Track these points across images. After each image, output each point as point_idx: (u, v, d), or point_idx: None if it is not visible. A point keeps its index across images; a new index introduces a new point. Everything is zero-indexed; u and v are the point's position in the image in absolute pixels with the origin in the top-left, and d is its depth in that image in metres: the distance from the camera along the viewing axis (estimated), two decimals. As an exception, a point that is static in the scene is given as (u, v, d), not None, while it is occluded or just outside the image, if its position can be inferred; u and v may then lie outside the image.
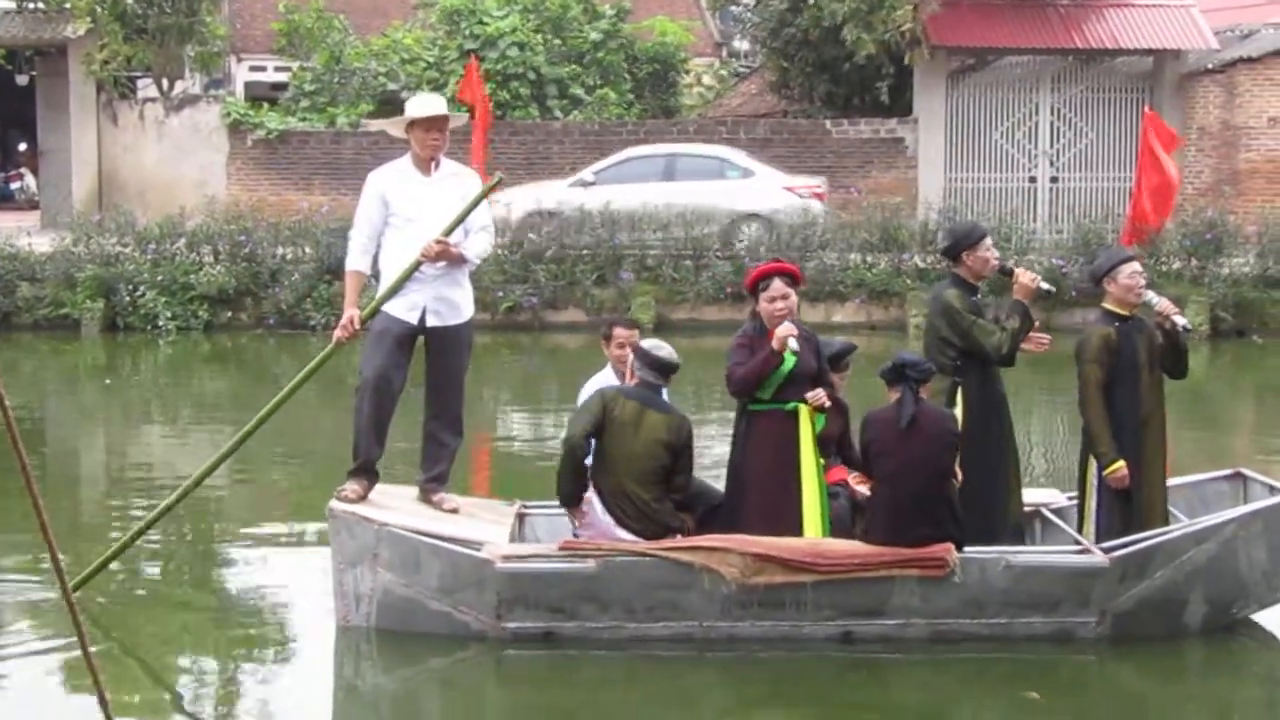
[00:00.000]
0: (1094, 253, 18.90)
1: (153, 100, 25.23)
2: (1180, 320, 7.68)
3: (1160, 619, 7.33)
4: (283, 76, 28.95)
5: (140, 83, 27.42)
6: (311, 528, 9.97)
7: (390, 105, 25.22)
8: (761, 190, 20.76)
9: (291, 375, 16.64)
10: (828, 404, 7.24)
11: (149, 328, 19.04)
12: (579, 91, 25.34)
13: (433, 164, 7.71)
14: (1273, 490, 7.83)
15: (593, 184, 21.09)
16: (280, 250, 19.83)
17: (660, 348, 7.36)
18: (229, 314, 19.53)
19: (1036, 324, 7.88)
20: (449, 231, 7.54)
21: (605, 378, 7.96)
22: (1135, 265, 7.78)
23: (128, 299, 19.17)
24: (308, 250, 19.69)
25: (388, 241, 7.70)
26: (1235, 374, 17.11)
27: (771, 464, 7.23)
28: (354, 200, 23.19)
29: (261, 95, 28.95)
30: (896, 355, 7.25)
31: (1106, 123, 23.79)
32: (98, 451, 13.38)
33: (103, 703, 4.56)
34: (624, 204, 20.18)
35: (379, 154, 23.57)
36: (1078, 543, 7.56)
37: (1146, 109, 20.77)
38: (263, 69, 33.80)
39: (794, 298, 7.33)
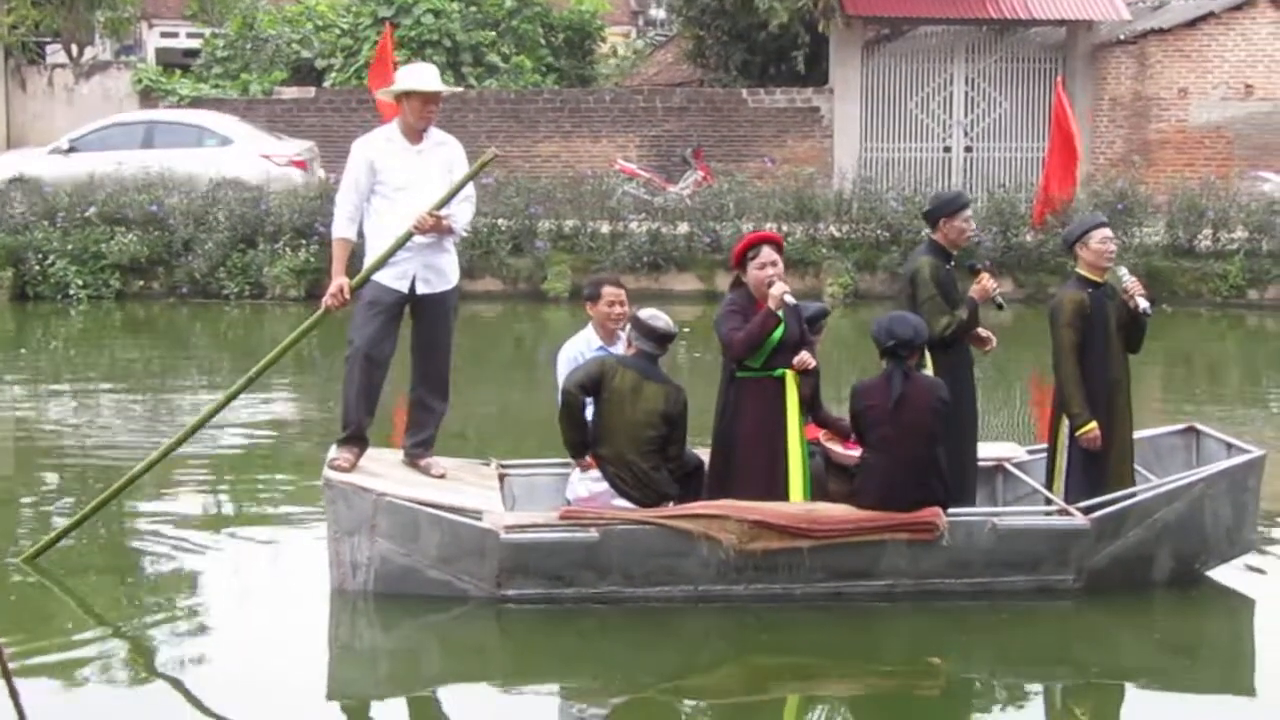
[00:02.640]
0: (1006, 222, 19.33)
1: (62, 66, 24.69)
2: (1143, 304, 7.89)
3: (1130, 573, 7.60)
4: (195, 43, 28.46)
5: (49, 49, 26.82)
6: (278, 497, 9.93)
7: (303, 73, 24.91)
8: (239, 157, 20.78)
9: (206, 344, 16.65)
10: (812, 364, 7.40)
11: (59, 297, 18.69)
12: (495, 59, 25.14)
13: (422, 134, 7.68)
14: (1229, 447, 8.11)
15: (71, 151, 21.14)
16: (193, 219, 19.47)
17: (657, 318, 7.42)
18: (141, 283, 19.21)
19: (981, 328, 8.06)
20: (441, 205, 7.53)
21: (587, 338, 7.98)
22: (1106, 231, 7.98)
23: (37, 268, 18.82)
24: (221, 219, 19.38)
25: (376, 210, 7.66)
26: (1147, 341, 17.46)
27: (760, 429, 7.38)
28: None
29: (173, 62, 28.36)
30: (890, 322, 7.30)
31: (1020, 93, 23.98)
32: (8, 421, 13.08)
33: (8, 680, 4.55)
34: (102, 171, 20.25)
35: (292, 121, 23.33)
36: (1047, 500, 7.82)
37: (1059, 80, 21.03)
38: (174, 35, 33.26)
39: (780, 264, 7.48)
